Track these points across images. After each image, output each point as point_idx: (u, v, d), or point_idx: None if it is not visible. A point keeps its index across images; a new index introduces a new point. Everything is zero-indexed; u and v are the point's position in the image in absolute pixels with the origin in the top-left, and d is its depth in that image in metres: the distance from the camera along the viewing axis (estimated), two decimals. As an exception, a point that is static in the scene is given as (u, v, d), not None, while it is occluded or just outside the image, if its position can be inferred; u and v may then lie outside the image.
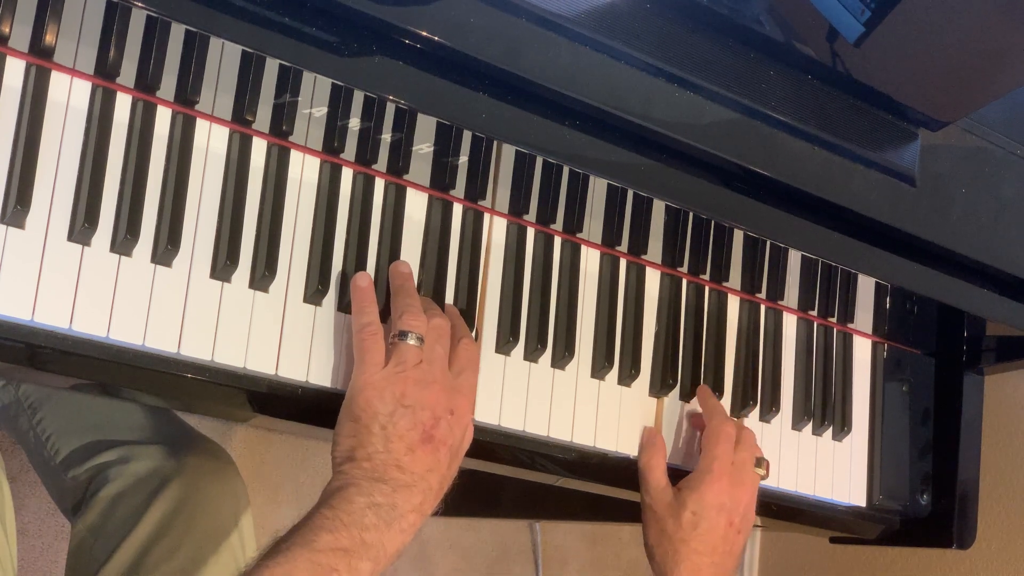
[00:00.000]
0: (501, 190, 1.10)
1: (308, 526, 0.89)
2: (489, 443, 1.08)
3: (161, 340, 0.92)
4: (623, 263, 1.17)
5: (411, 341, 0.96)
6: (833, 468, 1.29)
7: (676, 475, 1.15)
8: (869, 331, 1.36)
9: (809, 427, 1.28)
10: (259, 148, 0.98)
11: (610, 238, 1.16)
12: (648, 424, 1.17)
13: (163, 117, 0.94)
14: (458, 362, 1.00)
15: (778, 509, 1.24)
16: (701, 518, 1.11)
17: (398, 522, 0.92)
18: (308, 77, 0.99)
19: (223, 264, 0.95)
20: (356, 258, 1.01)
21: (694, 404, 1.21)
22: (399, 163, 1.04)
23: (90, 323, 0.89)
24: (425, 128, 1.06)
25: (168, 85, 0.94)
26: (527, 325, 1.10)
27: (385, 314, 1.00)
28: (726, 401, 1.22)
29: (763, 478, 1.17)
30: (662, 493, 1.13)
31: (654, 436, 1.16)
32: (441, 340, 0.99)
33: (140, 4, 0.84)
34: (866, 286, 1.36)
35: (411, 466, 0.93)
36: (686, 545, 1.11)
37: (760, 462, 1.17)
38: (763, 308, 1.27)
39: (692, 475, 1.14)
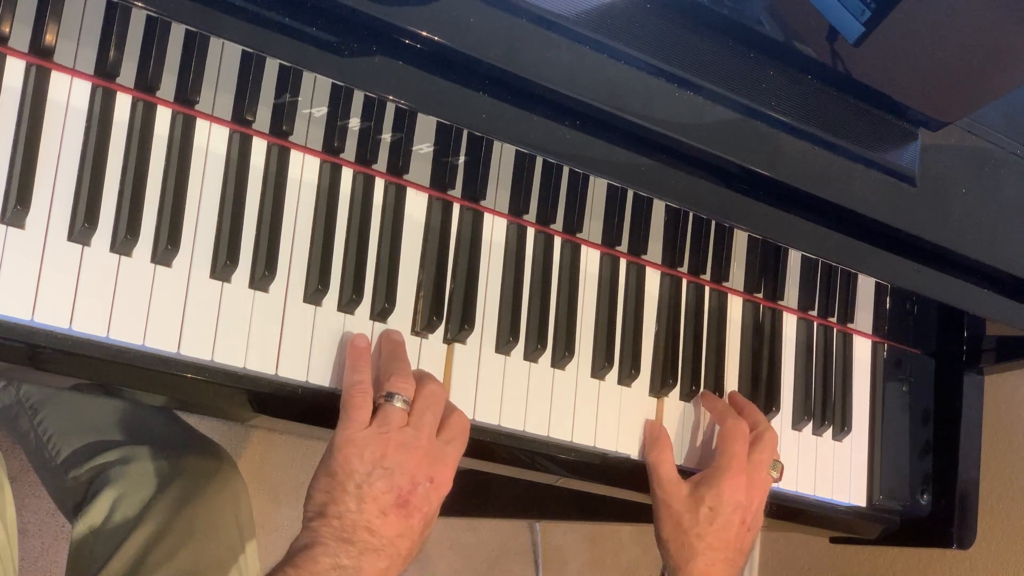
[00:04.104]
0: (501, 190, 1.10)
1: None
2: (489, 443, 1.08)
3: (161, 340, 0.92)
4: (623, 263, 1.17)
5: (397, 403, 0.95)
6: (833, 468, 1.29)
7: (679, 472, 1.15)
8: (869, 331, 1.36)
9: (809, 427, 1.28)
10: (259, 148, 0.98)
11: (610, 238, 1.16)
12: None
13: (163, 117, 0.94)
14: (448, 431, 0.98)
15: (778, 509, 1.24)
16: (718, 514, 1.11)
17: None
18: (308, 77, 1.00)
19: (223, 264, 0.95)
20: (356, 258, 1.01)
21: (694, 404, 1.21)
22: (399, 163, 1.04)
23: (90, 323, 0.89)
24: (425, 128, 1.06)
25: (168, 85, 0.94)
26: (527, 325, 1.10)
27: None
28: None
29: (775, 481, 1.17)
30: (676, 487, 1.13)
31: (660, 431, 1.16)
32: (433, 407, 0.97)
33: (140, 4, 0.84)
34: (866, 286, 1.36)
35: (382, 530, 0.92)
36: (701, 540, 1.11)
37: (776, 465, 1.17)
38: (763, 308, 1.27)
39: (709, 471, 1.14)
